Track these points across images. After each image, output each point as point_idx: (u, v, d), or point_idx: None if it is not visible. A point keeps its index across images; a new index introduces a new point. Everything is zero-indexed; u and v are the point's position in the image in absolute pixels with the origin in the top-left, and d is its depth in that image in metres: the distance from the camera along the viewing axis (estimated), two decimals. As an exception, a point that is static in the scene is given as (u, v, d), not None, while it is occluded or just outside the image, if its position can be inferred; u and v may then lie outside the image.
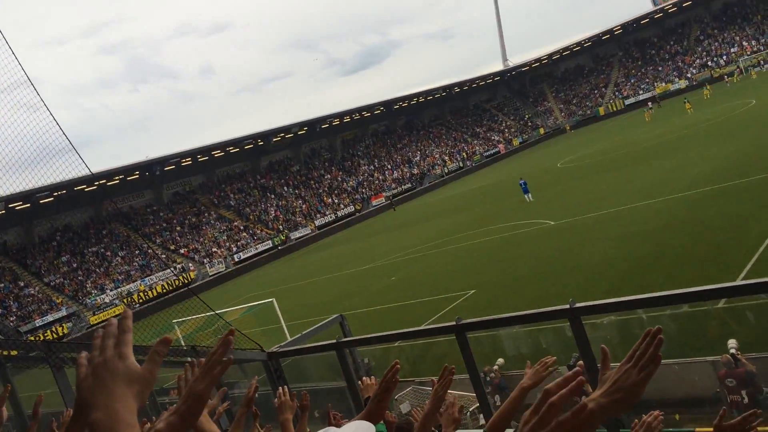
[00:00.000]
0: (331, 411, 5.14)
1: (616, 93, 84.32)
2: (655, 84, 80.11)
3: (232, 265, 55.26)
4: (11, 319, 44.63)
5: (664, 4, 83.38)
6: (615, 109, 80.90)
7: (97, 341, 1.30)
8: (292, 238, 60.36)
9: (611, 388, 1.45)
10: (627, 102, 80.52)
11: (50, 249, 54.60)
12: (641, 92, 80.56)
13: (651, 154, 36.15)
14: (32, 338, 34.57)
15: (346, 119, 79.59)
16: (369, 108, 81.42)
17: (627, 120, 67.15)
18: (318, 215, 65.35)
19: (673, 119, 51.48)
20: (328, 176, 75.32)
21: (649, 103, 68.66)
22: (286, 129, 71.75)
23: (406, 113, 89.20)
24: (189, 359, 8.16)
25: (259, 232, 62.12)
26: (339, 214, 65.76)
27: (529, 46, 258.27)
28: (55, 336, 40.77)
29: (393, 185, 73.20)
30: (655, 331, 1.51)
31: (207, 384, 1.52)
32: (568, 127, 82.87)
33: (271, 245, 58.62)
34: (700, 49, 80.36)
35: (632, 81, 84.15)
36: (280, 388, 3.53)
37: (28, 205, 50.42)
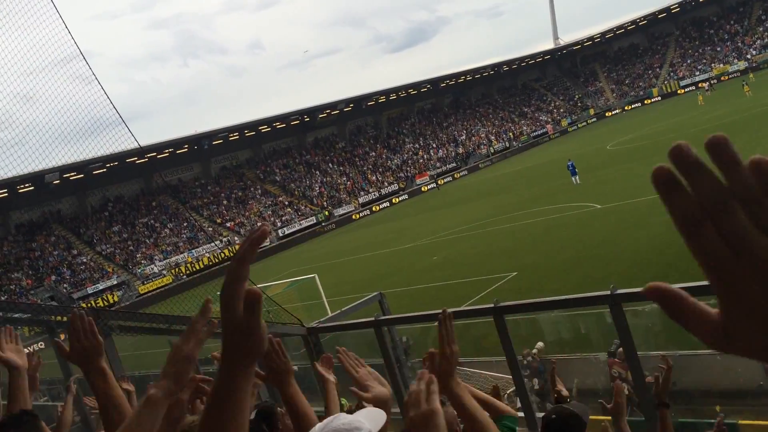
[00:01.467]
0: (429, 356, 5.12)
1: (671, 74, 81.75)
2: (713, 65, 77.33)
3: (276, 239, 56.03)
4: (64, 285, 46.34)
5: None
6: (669, 90, 78.47)
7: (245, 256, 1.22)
8: (336, 214, 60.79)
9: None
10: (682, 83, 78.00)
11: (102, 219, 56.26)
12: (698, 73, 77.91)
13: (704, 138, 35.01)
14: (83, 305, 35.80)
15: (392, 96, 79.29)
16: (415, 85, 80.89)
17: (681, 102, 65.10)
18: (362, 192, 65.59)
19: (730, 101, 49.73)
20: (373, 154, 75.37)
21: (705, 85, 66.45)
22: (332, 105, 71.95)
23: (452, 91, 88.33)
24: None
25: (303, 207, 62.74)
26: (383, 191, 65.86)
27: (582, 25, 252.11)
28: (105, 304, 42.16)
29: (438, 164, 72.85)
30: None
31: (193, 344, 1.56)
32: (625, 108, 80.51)
33: (315, 221, 59.18)
34: (761, 29, 77.08)
35: (689, 62, 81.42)
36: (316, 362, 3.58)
37: (82, 175, 51.93)
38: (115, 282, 47.73)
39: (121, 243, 53.64)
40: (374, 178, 69.48)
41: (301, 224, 58.68)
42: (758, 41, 75.83)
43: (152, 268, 50.06)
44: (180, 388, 1.58)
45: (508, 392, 9.87)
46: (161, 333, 7.30)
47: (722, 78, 72.71)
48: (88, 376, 2.14)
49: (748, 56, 74.88)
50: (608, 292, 4.97)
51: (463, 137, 79.79)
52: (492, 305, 5.81)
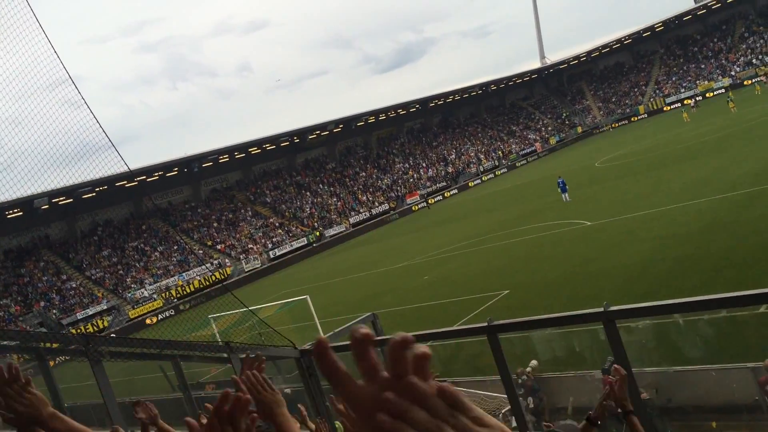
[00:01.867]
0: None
1: (657, 91, 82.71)
2: (698, 82, 78.34)
3: (267, 261, 55.82)
4: (54, 311, 45.86)
5: (707, 1, 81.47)
6: (655, 107, 79.35)
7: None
8: (327, 235, 60.69)
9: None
10: (668, 100, 78.92)
11: (92, 243, 55.89)
12: (683, 90, 78.87)
13: (692, 154, 35.40)
14: (73, 331, 35.45)
15: (382, 117, 79.68)
16: (404, 105, 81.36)
17: (667, 119, 65.80)
18: (353, 213, 65.59)
19: (715, 118, 50.30)
20: (363, 174, 75.53)
21: (691, 102, 67.20)
22: (321, 126, 72.16)
23: (441, 111, 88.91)
24: (224, 354, 8.28)
25: (294, 229, 62.63)
26: (373, 211, 65.91)
27: (568, 44, 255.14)
28: (95, 329, 41.75)
29: (428, 183, 73.06)
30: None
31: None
32: (611, 126, 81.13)
33: (305, 242, 59.05)
34: (744, 46, 78.30)
35: (674, 79, 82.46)
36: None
37: (71, 200, 51.66)
38: (105, 307, 47.29)
39: (110, 267, 53.25)
40: (365, 198, 69.56)
41: (292, 245, 58.53)
42: (741, 58, 76.96)
43: (142, 292, 49.66)
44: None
45: (503, 411, 9.82)
46: (153, 358, 7.22)
47: (707, 95, 73.63)
48: (44, 427, 2.01)
49: (732, 73, 75.93)
50: (602, 309, 4.97)
51: (453, 156, 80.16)
52: (485, 324, 5.79)
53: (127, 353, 6.78)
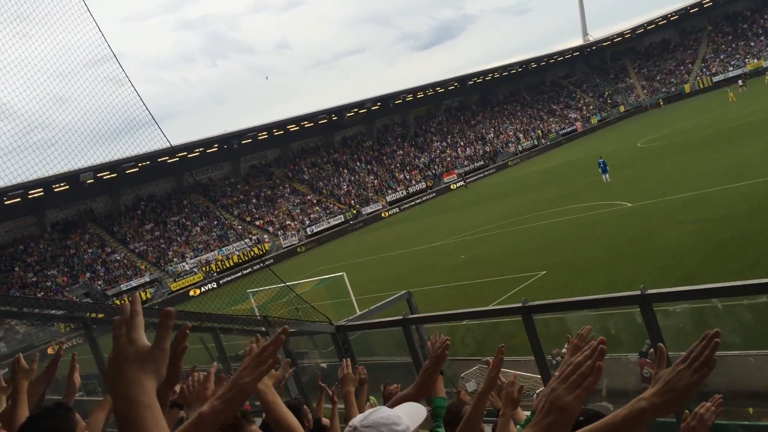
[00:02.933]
0: (388, 385, 5.23)
1: (704, 69, 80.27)
2: (746, 60, 75.72)
3: (305, 238, 56.40)
4: (99, 282, 47.23)
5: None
6: (702, 86, 77.03)
7: (114, 333, 1.40)
8: (363, 213, 60.95)
9: (664, 388, 1.47)
10: (715, 79, 76.52)
11: (135, 217, 57.20)
12: (731, 69, 76.35)
13: (738, 135, 34.41)
14: (117, 302, 36.45)
15: (420, 95, 79.18)
16: (443, 83, 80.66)
17: (713, 98, 63.90)
18: (389, 191, 65.66)
19: (763, 98, 48.69)
20: (401, 152, 75.38)
21: (740, 82, 65.11)
22: (359, 104, 72.12)
23: (480, 89, 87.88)
24: (262, 329, 8.47)
25: (331, 206, 63.03)
26: (410, 190, 65.86)
27: (612, 20, 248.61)
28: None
29: (465, 162, 72.58)
30: (713, 335, 1.50)
31: (253, 378, 1.55)
32: (662, 102, 78.95)
33: (342, 219, 59.43)
34: (798, 22, 75.35)
35: (722, 57, 79.86)
36: (344, 360, 3.64)
37: (115, 174, 52.87)
38: (148, 279, 48.52)
39: (153, 241, 54.48)
40: (402, 176, 69.50)
41: (329, 222, 58.96)
42: (795, 35, 74.12)
43: (183, 266, 50.77)
44: (230, 414, 1.57)
45: (537, 391, 9.85)
46: (194, 330, 7.42)
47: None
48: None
49: (784, 51, 73.22)
50: (638, 293, 4.97)
51: (491, 135, 79.36)
52: (520, 305, 5.83)
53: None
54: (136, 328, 1.39)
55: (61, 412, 2.49)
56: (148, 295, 45.37)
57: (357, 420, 1.93)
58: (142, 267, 50.24)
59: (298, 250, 53.88)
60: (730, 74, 74.58)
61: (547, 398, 1.45)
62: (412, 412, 2.02)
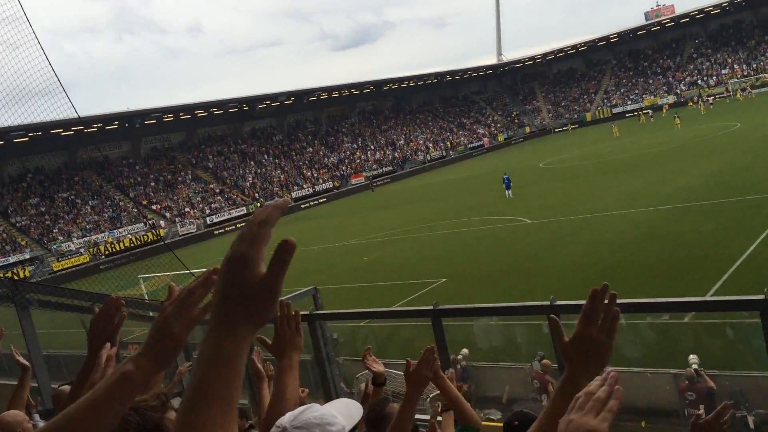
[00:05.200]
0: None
1: (605, 100, 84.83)
2: (644, 96, 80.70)
3: (204, 227, 54.76)
4: (-28, 256, 43.80)
5: (662, 18, 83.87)
6: (602, 116, 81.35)
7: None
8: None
9: (582, 356, 1.52)
10: (614, 110, 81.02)
11: (20, 189, 53.54)
12: (629, 102, 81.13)
13: (633, 165, 36.44)
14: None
15: (334, 94, 78.94)
16: (358, 86, 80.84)
17: (613, 129, 67.47)
18: (295, 187, 64.95)
19: (659, 132, 51.95)
20: (310, 149, 74.80)
21: (649, 111, 69.13)
22: (272, 97, 70.96)
23: (395, 95, 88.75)
24: (150, 314, 8.01)
25: (234, 197, 61.59)
26: (317, 188, 65.44)
27: (525, 44, 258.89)
28: (16, 278, 40.06)
29: (374, 166, 72.97)
30: (603, 288, 1.54)
31: (184, 325, 1.29)
32: (570, 127, 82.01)
33: (245, 212, 58.16)
34: (692, 66, 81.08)
35: (622, 90, 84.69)
36: (253, 356, 3.41)
37: (2, 142, 49.28)
38: (28, 256, 45.48)
39: (37, 216, 51.16)
40: (309, 173, 68.96)
41: (231, 213, 57.56)
42: (687, 77, 79.66)
43: (69, 246, 47.96)
44: (159, 370, 1.32)
45: (431, 396, 9.88)
46: (83, 311, 6.90)
47: (662, 109, 75.21)
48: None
49: (678, 91, 78.53)
50: (548, 303, 5.02)
51: (402, 142, 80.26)
52: (431, 307, 5.77)
53: (56, 303, 6.46)
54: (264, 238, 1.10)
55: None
56: (27, 273, 42.51)
57: (286, 420, 1.73)
58: (23, 243, 47.04)
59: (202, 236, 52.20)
60: (629, 107, 79.16)
61: (583, 344, 1.50)
62: (348, 411, 1.84)
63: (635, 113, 72.60)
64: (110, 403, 1.27)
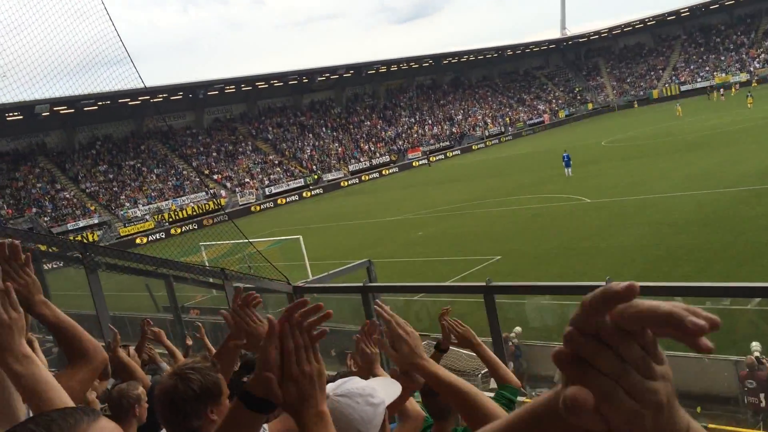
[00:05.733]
0: (351, 355, 5.16)
1: (673, 77, 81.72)
2: (715, 73, 77.33)
3: (262, 197, 55.80)
4: (45, 219, 45.90)
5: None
6: (669, 93, 78.40)
7: None
8: (325, 179, 60.55)
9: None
10: (683, 88, 77.97)
11: (89, 157, 55.60)
12: (699, 80, 77.92)
13: (701, 145, 35.20)
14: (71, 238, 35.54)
15: (393, 68, 78.57)
16: (417, 59, 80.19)
17: (684, 106, 65.13)
18: (353, 160, 65.31)
19: (729, 111, 49.89)
20: (368, 123, 74.91)
21: (721, 90, 66.37)
22: (331, 69, 71.18)
23: (454, 70, 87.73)
24: (219, 281, 8.29)
25: (292, 168, 62.40)
26: (374, 162, 65.63)
27: (590, 17, 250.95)
28: (85, 242, 41.83)
29: (431, 141, 72.60)
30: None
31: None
32: (636, 104, 79.56)
33: (303, 183, 58.93)
34: (767, 43, 77.11)
35: (692, 67, 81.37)
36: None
37: (73, 110, 51.17)
38: (96, 221, 47.37)
39: (106, 183, 53.12)
40: (366, 147, 69.16)
41: (288, 185, 58.42)
42: (762, 55, 75.85)
43: (135, 212, 49.70)
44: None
45: (482, 372, 9.94)
46: (148, 275, 7.22)
47: (733, 88, 72.00)
48: (33, 310, 1.97)
49: (751, 69, 74.93)
50: (605, 283, 4.98)
51: (460, 117, 79.49)
52: (483, 284, 5.79)
53: (122, 266, 6.77)
54: None
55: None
56: (95, 238, 44.31)
57: (329, 388, 1.82)
58: (92, 208, 48.99)
59: (252, 209, 53.26)
60: (698, 84, 76.07)
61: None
62: (387, 387, 1.93)
63: (707, 91, 69.73)
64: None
